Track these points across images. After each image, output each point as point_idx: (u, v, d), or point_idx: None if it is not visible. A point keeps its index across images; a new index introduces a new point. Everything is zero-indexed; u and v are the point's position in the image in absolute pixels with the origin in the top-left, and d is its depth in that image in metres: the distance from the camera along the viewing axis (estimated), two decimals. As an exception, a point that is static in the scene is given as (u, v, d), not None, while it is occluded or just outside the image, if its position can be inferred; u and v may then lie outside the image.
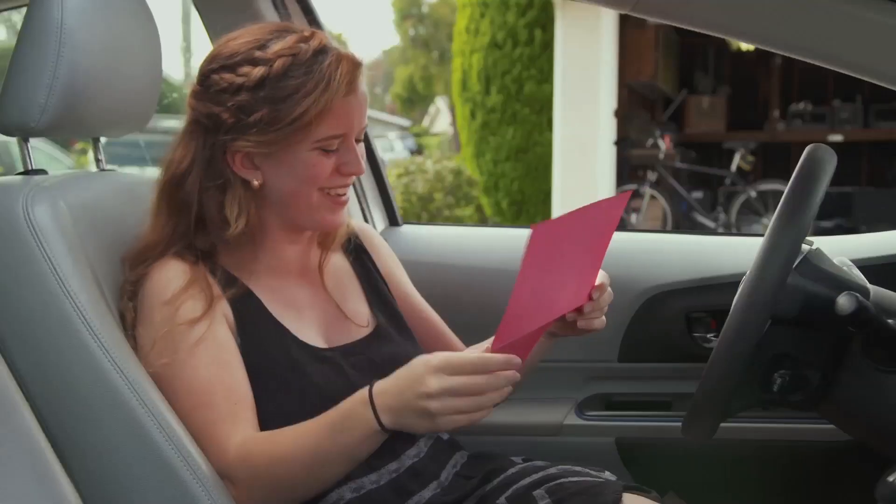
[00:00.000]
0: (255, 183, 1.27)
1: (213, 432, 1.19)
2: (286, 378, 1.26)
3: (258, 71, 1.22)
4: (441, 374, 1.06)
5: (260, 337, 1.27)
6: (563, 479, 1.29)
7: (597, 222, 1.15)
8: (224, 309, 1.26)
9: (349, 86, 1.23)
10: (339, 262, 1.44)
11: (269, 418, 1.23)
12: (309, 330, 1.33)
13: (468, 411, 1.07)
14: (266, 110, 1.22)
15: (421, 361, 1.09)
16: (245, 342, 1.26)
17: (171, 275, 1.25)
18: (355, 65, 1.25)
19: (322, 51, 1.24)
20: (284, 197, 1.28)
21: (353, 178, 1.31)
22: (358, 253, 1.47)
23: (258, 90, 1.22)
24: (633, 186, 8.35)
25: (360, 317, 1.39)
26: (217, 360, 1.22)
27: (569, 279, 1.18)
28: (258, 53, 1.23)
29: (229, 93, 1.23)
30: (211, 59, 1.27)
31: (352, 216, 1.97)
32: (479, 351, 1.11)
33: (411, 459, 1.31)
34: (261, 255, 1.33)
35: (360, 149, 1.31)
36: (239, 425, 1.20)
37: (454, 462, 1.37)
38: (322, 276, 1.39)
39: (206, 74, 1.27)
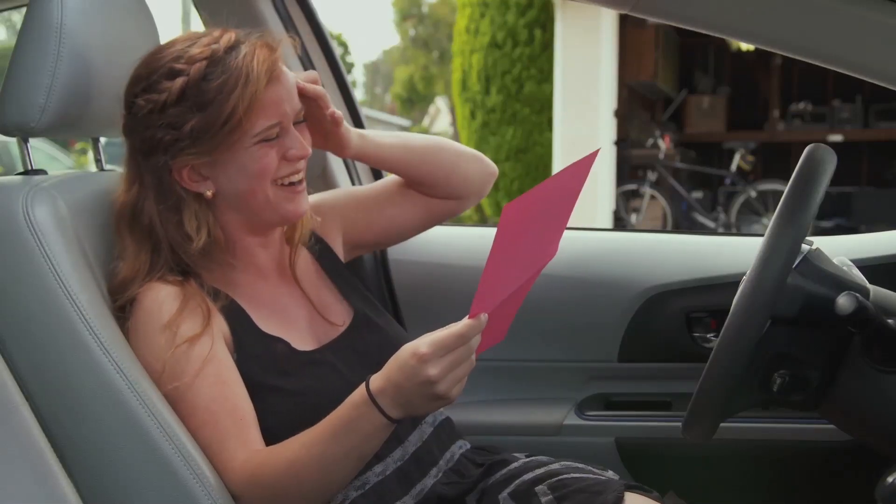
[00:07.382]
0: (209, 193, 1.27)
1: (218, 450, 1.19)
2: (285, 388, 1.25)
3: (178, 83, 1.21)
4: (435, 358, 1.05)
5: (254, 352, 1.27)
6: (565, 476, 1.29)
7: (567, 183, 1.13)
8: (221, 325, 1.26)
9: (269, 73, 1.22)
10: (307, 258, 1.44)
11: (273, 430, 1.22)
12: (298, 333, 1.32)
13: (466, 373, 1.09)
14: (196, 119, 1.21)
15: (409, 353, 1.06)
16: (241, 357, 1.26)
17: (163, 297, 1.23)
18: (271, 51, 1.24)
19: (234, 46, 1.23)
20: (241, 199, 1.28)
21: (303, 161, 1.29)
22: (321, 245, 1.47)
23: (183, 101, 1.21)
24: (633, 186, 8.36)
25: (334, 312, 1.39)
26: (220, 379, 1.21)
27: (538, 239, 1.16)
28: (175, 65, 1.23)
29: (156, 112, 1.22)
30: (133, 82, 1.26)
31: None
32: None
33: (414, 445, 1.32)
34: (237, 264, 1.32)
35: (303, 129, 1.30)
36: (243, 443, 1.19)
37: (454, 450, 1.38)
38: (294, 273, 1.39)
39: (131, 101, 1.25)
